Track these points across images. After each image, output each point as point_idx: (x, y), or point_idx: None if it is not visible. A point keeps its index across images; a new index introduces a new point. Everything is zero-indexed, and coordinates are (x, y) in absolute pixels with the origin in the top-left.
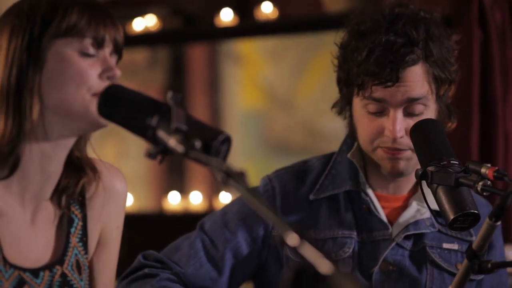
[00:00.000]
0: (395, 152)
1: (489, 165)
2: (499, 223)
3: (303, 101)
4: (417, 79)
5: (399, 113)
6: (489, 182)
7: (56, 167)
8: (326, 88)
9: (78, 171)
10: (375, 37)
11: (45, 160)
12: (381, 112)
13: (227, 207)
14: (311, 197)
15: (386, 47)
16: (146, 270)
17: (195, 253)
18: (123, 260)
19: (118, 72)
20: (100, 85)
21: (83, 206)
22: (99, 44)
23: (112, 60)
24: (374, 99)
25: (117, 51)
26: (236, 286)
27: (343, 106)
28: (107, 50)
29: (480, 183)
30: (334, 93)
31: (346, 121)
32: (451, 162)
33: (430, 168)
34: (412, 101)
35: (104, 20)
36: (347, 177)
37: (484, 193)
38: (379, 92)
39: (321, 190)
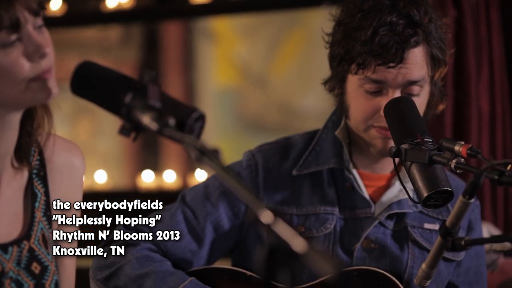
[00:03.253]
0: (389, 132)
1: (462, 142)
2: (472, 200)
3: (277, 79)
4: (418, 61)
5: (397, 94)
6: (462, 160)
7: (13, 132)
8: (300, 65)
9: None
10: (379, 16)
11: (3, 124)
12: (378, 92)
13: (209, 180)
14: (294, 172)
15: (390, 28)
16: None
17: (176, 224)
18: None
19: (48, 49)
20: (35, 68)
21: (45, 181)
22: (15, 27)
23: (39, 33)
24: (374, 81)
25: (37, 11)
26: (215, 259)
27: (336, 83)
28: (29, 25)
29: (454, 161)
30: (309, 70)
31: (337, 98)
32: (425, 139)
33: (404, 146)
34: (411, 83)
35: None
36: (331, 154)
37: (458, 171)
38: (380, 73)
39: (304, 166)
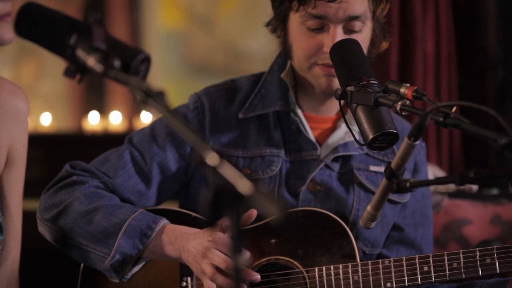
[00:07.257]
0: (333, 69)
1: (408, 85)
2: (417, 142)
3: (224, 21)
4: None
5: (339, 29)
6: (408, 102)
7: None
8: (247, 7)
9: None
10: None
11: None
12: (320, 29)
13: (156, 122)
14: (240, 115)
15: None
16: (74, 178)
17: (123, 164)
18: (42, 180)
19: None
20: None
21: None
22: None
23: None
24: (316, 16)
25: None
26: (162, 200)
27: (278, 23)
28: None
29: (399, 103)
30: (255, 12)
31: (280, 39)
32: (371, 82)
33: (350, 88)
34: (353, 19)
35: None
36: (277, 97)
37: (403, 113)
38: (320, 8)
39: (250, 109)
